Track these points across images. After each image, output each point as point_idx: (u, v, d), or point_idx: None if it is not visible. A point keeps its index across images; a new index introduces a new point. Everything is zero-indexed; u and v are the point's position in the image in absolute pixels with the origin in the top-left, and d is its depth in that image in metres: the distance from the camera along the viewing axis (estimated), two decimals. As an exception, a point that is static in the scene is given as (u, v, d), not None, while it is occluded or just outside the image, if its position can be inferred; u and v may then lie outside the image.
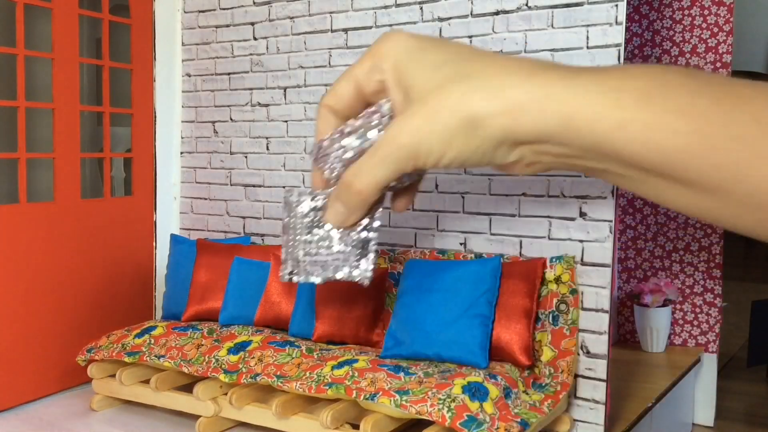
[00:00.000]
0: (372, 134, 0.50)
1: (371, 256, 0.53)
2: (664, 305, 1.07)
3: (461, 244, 0.74)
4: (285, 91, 0.86)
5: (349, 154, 0.51)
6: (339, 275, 0.54)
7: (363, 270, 0.53)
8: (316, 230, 0.54)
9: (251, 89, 0.89)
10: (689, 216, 0.46)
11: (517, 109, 0.43)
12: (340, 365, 0.65)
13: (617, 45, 0.65)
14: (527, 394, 0.63)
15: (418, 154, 0.46)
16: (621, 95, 0.41)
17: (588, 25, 0.67)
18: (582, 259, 0.68)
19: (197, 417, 0.68)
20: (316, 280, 0.54)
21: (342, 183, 0.51)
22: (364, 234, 0.53)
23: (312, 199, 0.55)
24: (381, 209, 0.52)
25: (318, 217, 0.54)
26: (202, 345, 0.73)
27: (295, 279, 0.55)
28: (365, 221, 0.52)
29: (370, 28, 0.79)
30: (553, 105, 0.42)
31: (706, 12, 1.06)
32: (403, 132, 0.46)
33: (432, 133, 0.45)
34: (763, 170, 0.40)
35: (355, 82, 0.50)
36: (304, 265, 0.55)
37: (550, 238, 0.69)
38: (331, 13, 0.82)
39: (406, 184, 0.53)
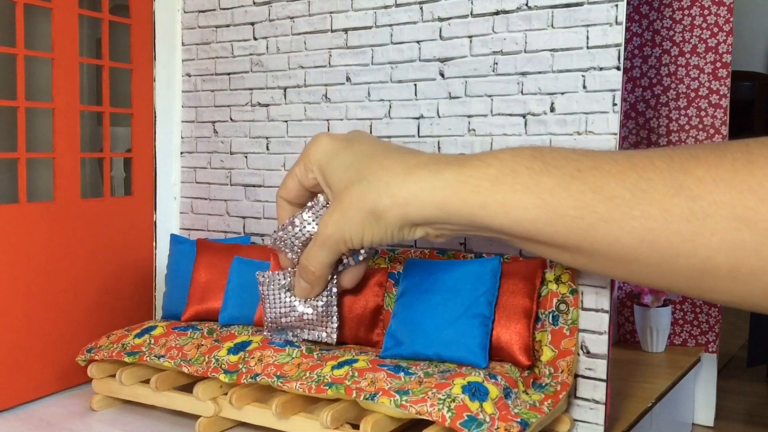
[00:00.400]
0: (314, 223, 0.64)
1: (334, 318, 0.67)
2: (664, 305, 1.07)
3: (461, 244, 0.74)
4: (285, 91, 0.86)
5: (301, 239, 0.65)
6: (310, 336, 0.69)
7: (329, 332, 0.68)
8: (287, 300, 0.68)
9: (251, 89, 0.89)
10: (579, 269, 0.62)
11: (403, 202, 0.54)
12: (340, 365, 0.65)
13: (617, 45, 0.65)
14: (527, 394, 0.63)
15: (344, 239, 0.58)
16: (477, 182, 0.52)
17: (588, 25, 0.67)
18: (582, 259, 0.68)
19: (197, 417, 0.68)
20: (293, 339, 0.70)
21: (300, 266, 0.64)
22: (324, 300, 0.66)
23: (283, 277, 0.69)
24: (335, 279, 0.66)
25: (287, 289, 0.68)
26: (202, 345, 0.73)
27: (275, 338, 0.71)
28: (325, 291, 0.66)
29: (370, 28, 0.79)
30: (428, 197, 0.54)
31: (706, 12, 1.06)
32: (328, 225, 0.59)
33: (348, 224, 0.57)
34: (608, 230, 0.48)
35: (297, 179, 0.63)
36: (282, 327, 0.70)
37: (550, 238, 0.69)
38: (331, 13, 0.82)
39: (358, 262, 0.65)
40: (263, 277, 0.70)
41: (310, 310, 0.67)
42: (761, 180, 0.43)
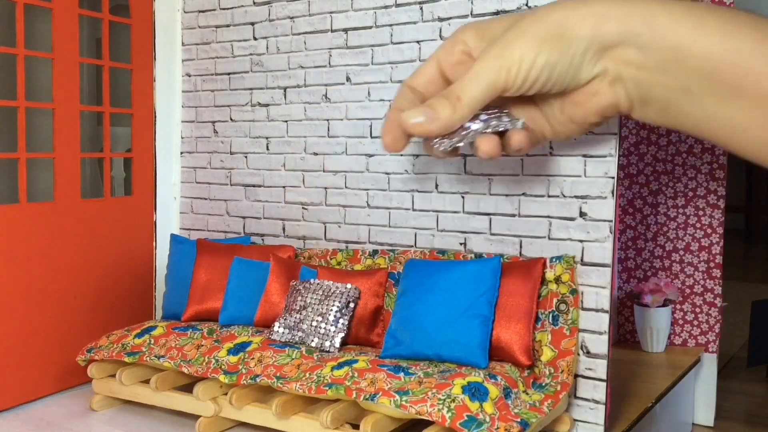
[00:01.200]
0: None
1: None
2: (664, 305, 1.07)
3: (461, 244, 0.74)
4: (285, 91, 0.86)
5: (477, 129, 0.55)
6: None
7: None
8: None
9: (251, 89, 0.89)
10: (751, 155, 0.49)
11: (603, 13, 0.47)
12: (340, 366, 0.65)
13: (617, 45, 0.65)
14: (527, 394, 0.63)
15: (510, 64, 0.49)
16: (695, 6, 0.45)
17: (588, 25, 0.67)
18: (582, 259, 0.68)
19: (197, 417, 0.68)
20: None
21: (438, 95, 0.52)
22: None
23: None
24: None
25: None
26: (202, 345, 0.73)
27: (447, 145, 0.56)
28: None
29: (370, 28, 0.79)
30: (638, 9, 0.46)
31: (706, 12, 1.06)
32: (494, 48, 0.49)
33: (521, 43, 0.48)
34: None
35: (437, 60, 0.55)
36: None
37: (550, 238, 0.69)
38: (331, 13, 0.82)
39: (501, 129, 0.55)
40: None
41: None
42: None
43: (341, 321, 0.71)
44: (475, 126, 0.54)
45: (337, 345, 0.70)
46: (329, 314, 0.71)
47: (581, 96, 0.52)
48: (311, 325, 0.71)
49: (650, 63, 0.47)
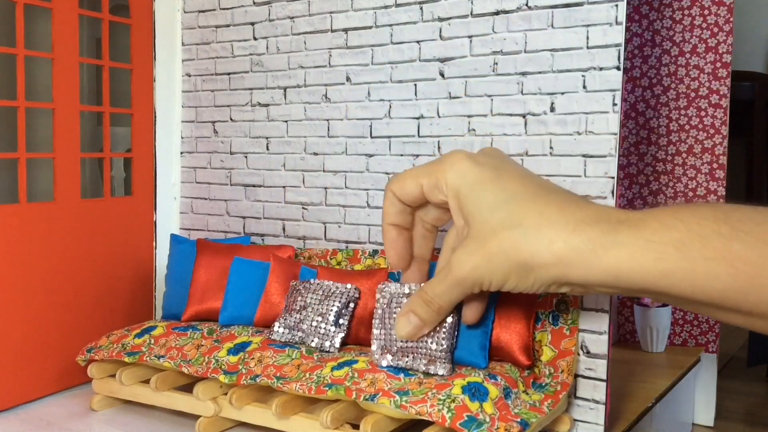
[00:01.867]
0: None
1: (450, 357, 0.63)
2: (664, 305, 1.07)
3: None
4: (285, 91, 0.86)
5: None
6: (428, 370, 0.63)
7: (446, 369, 0.62)
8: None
9: (251, 89, 0.89)
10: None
11: (566, 262, 0.49)
12: (340, 366, 0.65)
13: (617, 45, 0.65)
14: (527, 394, 0.63)
15: (481, 283, 0.53)
16: (662, 248, 0.46)
17: (588, 25, 0.67)
18: (582, 259, 0.68)
19: (197, 417, 0.68)
20: (408, 367, 0.64)
21: (418, 300, 0.58)
22: (445, 334, 0.62)
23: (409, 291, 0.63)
24: (453, 316, 0.61)
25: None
26: (202, 345, 0.73)
27: (384, 363, 0.64)
28: (445, 326, 0.61)
29: (370, 28, 0.79)
30: (600, 260, 0.48)
31: (706, 12, 1.06)
32: (465, 266, 0.53)
33: (490, 271, 0.52)
34: None
35: (421, 188, 0.57)
36: (398, 351, 0.63)
37: (550, 238, 0.69)
38: (331, 13, 0.82)
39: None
40: (383, 292, 0.64)
41: (441, 345, 0.62)
42: None
43: (341, 321, 0.71)
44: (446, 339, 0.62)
45: (337, 345, 0.70)
46: (329, 314, 0.71)
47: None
48: (311, 325, 0.71)
49: (617, 291, 0.51)
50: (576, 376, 0.68)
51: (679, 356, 1.05)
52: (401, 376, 0.62)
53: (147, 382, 0.72)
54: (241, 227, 0.90)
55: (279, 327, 0.73)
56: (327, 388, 0.62)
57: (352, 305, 0.72)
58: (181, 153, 0.95)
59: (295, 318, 0.72)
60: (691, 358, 1.03)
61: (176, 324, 0.78)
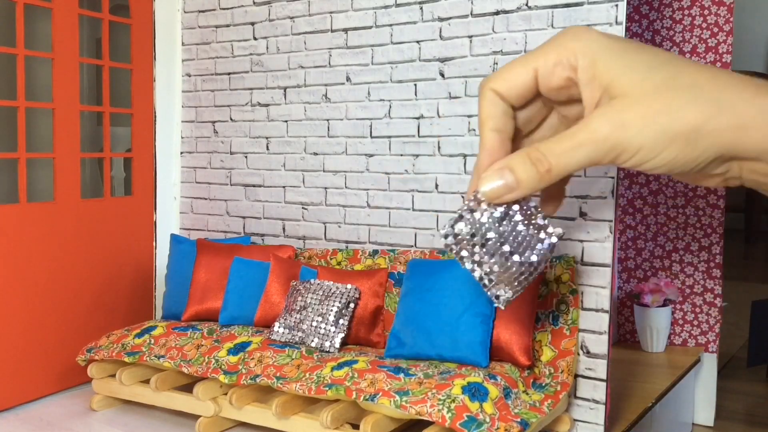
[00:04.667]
0: (526, 227, 0.46)
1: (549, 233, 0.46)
2: (664, 305, 1.07)
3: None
4: (285, 91, 0.86)
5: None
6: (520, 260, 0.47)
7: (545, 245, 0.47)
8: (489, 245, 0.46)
9: (251, 89, 0.89)
10: None
11: (746, 126, 0.42)
12: (340, 366, 0.65)
13: (617, 45, 0.65)
14: (527, 394, 0.63)
15: (623, 149, 0.43)
16: None
17: (588, 25, 0.67)
18: (582, 259, 0.68)
19: (197, 417, 0.68)
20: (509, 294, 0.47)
21: (522, 156, 0.45)
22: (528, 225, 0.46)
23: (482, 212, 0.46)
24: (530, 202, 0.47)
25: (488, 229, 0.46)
26: (202, 345, 0.72)
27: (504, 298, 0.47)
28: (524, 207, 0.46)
29: (370, 28, 0.79)
30: None
31: (706, 12, 1.06)
32: (609, 123, 0.43)
33: (646, 134, 0.43)
34: None
35: (535, 72, 0.47)
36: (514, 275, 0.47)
37: (550, 238, 0.69)
38: (331, 13, 0.82)
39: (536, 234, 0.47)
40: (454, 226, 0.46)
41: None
42: None
43: (341, 321, 0.71)
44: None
45: (337, 345, 0.70)
46: (329, 314, 0.70)
47: (690, 174, 0.47)
48: (311, 326, 0.71)
49: None
50: (576, 376, 0.68)
51: (679, 356, 1.05)
52: (401, 376, 0.62)
53: (147, 382, 0.72)
54: (241, 227, 0.90)
55: (279, 327, 0.73)
56: (327, 388, 0.62)
57: (352, 305, 0.72)
58: (181, 153, 0.95)
59: (295, 318, 0.72)
60: (691, 358, 1.03)
61: (176, 324, 0.78)
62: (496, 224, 0.46)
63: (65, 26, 0.80)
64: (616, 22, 0.65)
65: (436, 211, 0.76)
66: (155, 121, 0.91)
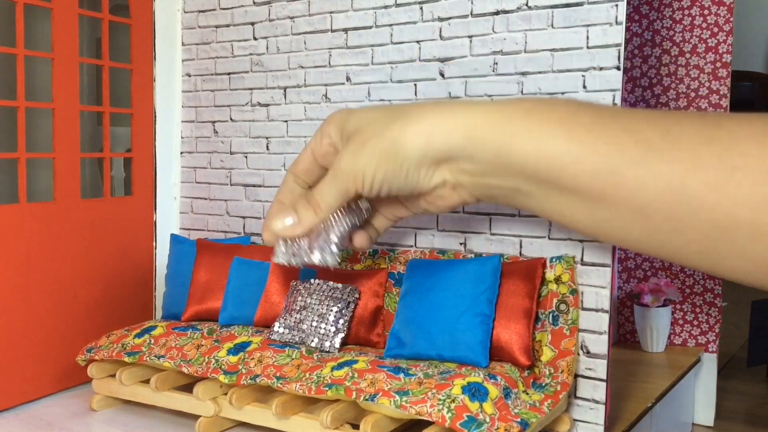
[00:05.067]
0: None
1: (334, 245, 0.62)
2: (664, 305, 1.07)
3: (461, 244, 0.74)
4: (285, 91, 0.86)
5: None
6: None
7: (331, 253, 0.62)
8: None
9: (251, 89, 0.89)
10: (590, 235, 0.57)
11: (428, 129, 0.52)
12: (340, 366, 0.65)
13: (617, 45, 0.65)
14: (527, 394, 0.63)
15: (355, 176, 0.55)
16: (511, 113, 0.50)
17: (588, 25, 0.67)
18: (582, 259, 0.68)
19: (197, 417, 0.68)
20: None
21: (301, 200, 0.60)
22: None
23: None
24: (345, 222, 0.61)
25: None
26: (202, 345, 0.73)
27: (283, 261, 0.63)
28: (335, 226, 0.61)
29: (370, 28, 0.79)
30: (458, 124, 0.51)
31: (706, 12, 1.06)
32: (343, 157, 0.56)
33: (363, 156, 0.54)
34: (636, 172, 0.46)
35: (311, 151, 0.61)
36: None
37: (550, 238, 0.69)
38: (331, 13, 0.82)
39: (358, 225, 0.62)
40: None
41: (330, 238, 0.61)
42: None
43: (341, 321, 0.71)
44: (334, 235, 0.60)
45: (337, 345, 0.70)
46: (329, 315, 0.71)
47: (431, 198, 0.57)
48: (311, 326, 0.71)
49: (480, 170, 0.53)
50: (576, 376, 0.68)
51: (679, 356, 1.05)
52: (401, 376, 0.62)
53: (147, 382, 0.72)
54: (241, 227, 0.90)
55: (279, 327, 0.73)
56: (327, 388, 0.62)
57: (352, 306, 0.72)
58: (181, 153, 0.95)
59: (295, 318, 0.72)
60: (691, 358, 1.03)
61: (176, 324, 0.78)
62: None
63: (65, 26, 0.80)
64: (616, 22, 0.65)
65: (436, 211, 0.76)
66: (155, 121, 0.91)
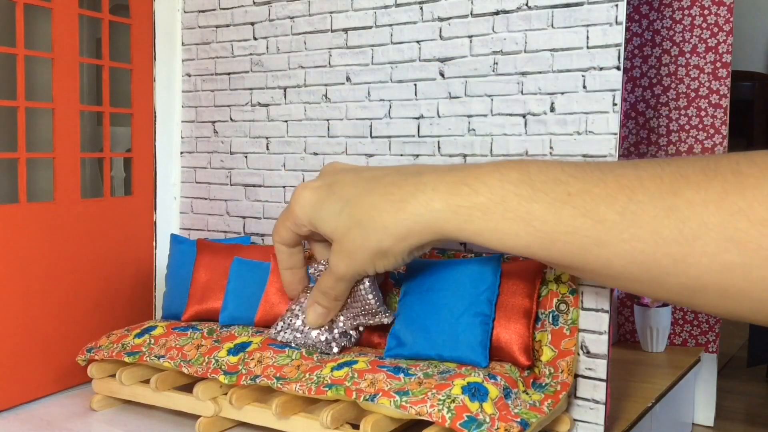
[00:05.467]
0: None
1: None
2: (664, 305, 1.07)
3: (461, 244, 0.74)
4: (285, 91, 0.86)
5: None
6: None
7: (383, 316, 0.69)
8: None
9: (251, 89, 0.89)
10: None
11: (403, 237, 0.57)
12: (340, 366, 0.65)
13: (617, 45, 0.65)
14: (527, 394, 0.63)
15: (359, 273, 0.62)
16: (469, 212, 0.54)
17: (588, 25, 0.67)
18: (582, 260, 0.68)
19: (197, 417, 0.68)
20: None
21: (318, 293, 0.66)
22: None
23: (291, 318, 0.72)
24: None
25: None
26: (202, 345, 0.72)
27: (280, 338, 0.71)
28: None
29: (370, 28, 0.79)
30: (424, 229, 0.56)
31: (706, 12, 1.06)
32: (340, 265, 0.61)
33: (358, 263, 0.60)
34: (599, 253, 0.49)
35: (292, 230, 0.65)
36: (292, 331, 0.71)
37: (550, 238, 0.69)
38: (331, 13, 0.82)
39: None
40: (279, 333, 0.72)
41: (371, 302, 0.68)
42: (751, 202, 0.44)
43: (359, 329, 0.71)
44: (372, 299, 0.67)
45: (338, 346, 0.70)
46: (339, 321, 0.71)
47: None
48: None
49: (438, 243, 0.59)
50: (576, 376, 0.68)
51: (679, 356, 1.05)
52: (401, 376, 0.62)
53: (147, 382, 0.72)
54: (241, 227, 0.90)
55: (281, 326, 0.72)
56: (327, 389, 0.62)
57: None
58: (181, 153, 0.95)
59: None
60: (691, 358, 1.03)
61: (176, 324, 0.78)
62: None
63: (65, 26, 0.80)
64: (616, 22, 0.65)
65: (436, 211, 0.76)
66: (155, 121, 0.91)
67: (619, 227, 0.48)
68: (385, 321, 0.68)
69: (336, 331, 0.69)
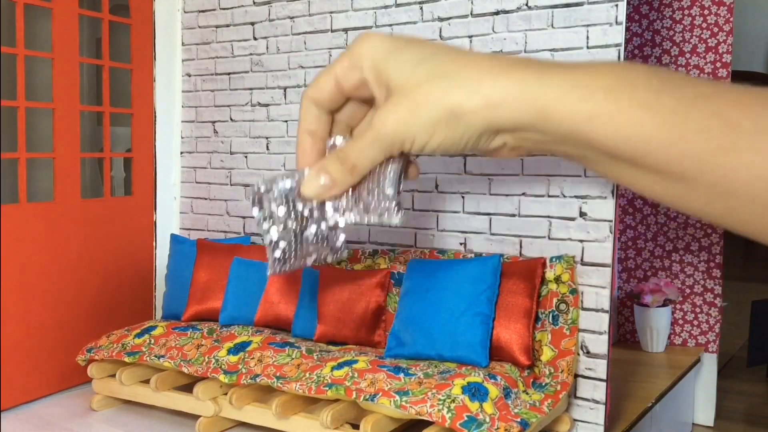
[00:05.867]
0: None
1: (342, 237, 0.57)
2: (664, 305, 1.07)
3: (461, 244, 0.74)
4: (285, 91, 0.86)
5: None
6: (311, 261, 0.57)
7: (338, 250, 0.57)
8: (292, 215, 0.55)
9: (251, 89, 0.89)
10: (665, 204, 0.51)
11: (496, 103, 0.47)
12: (340, 366, 0.65)
13: (617, 45, 0.65)
14: (527, 393, 0.63)
15: (403, 140, 0.50)
16: (590, 91, 0.45)
17: (588, 25, 0.67)
18: (582, 259, 0.68)
19: (197, 417, 0.68)
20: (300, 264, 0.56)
21: (332, 158, 0.53)
22: (334, 219, 0.55)
23: (283, 179, 0.55)
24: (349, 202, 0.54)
25: (292, 199, 0.55)
26: (202, 345, 0.73)
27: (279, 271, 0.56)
28: (332, 205, 0.55)
29: (370, 28, 0.79)
30: (529, 100, 0.46)
31: (706, 12, 1.06)
32: (388, 121, 0.50)
33: (416, 123, 0.49)
34: (725, 160, 0.43)
35: (335, 78, 0.53)
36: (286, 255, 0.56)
37: (550, 238, 0.69)
38: (331, 13, 0.82)
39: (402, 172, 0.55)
40: (261, 185, 0.55)
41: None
42: None
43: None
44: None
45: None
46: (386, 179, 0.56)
47: (483, 151, 0.53)
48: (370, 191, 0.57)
49: (549, 140, 0.49)
50: (576, 376, 0.68)
51: (679, 356, 1.05)
52: (401, 375, 0.62)
53: (147, 382, 0.72)
54: (241, 227, 0.90)
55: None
56: (327, 388, 0.62)
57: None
58: (181, 153, 0.95)
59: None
60: (691, 358, 1.03)
61: (176, 324, 0.78)
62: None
63: (65, 26, 0.80)
64: (616, 22, 0.65)
65: (436, 211, 0.76)
66: (155, 121, 0.91)
67: (752, 135, 0.43)
68: (394, 221, 0.53)
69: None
